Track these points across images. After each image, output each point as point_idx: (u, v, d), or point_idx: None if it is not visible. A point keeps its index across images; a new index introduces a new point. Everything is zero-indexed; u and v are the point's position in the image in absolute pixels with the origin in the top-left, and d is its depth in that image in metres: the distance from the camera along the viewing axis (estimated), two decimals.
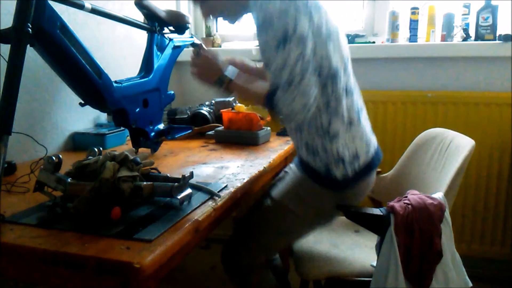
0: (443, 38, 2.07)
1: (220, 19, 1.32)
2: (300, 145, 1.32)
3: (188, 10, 2.57)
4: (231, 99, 2.06)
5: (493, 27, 1.96)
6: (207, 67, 1.28)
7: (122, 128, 1.79)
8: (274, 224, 1.33)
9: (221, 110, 1.92)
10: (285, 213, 1.31)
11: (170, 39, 1.74)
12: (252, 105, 1.32)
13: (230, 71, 1.28)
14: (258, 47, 1.20)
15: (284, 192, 1.34)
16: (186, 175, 1.07)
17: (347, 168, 1.25)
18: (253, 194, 1.42)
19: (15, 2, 1.06)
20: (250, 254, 1.35)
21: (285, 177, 1.42)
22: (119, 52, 2.01)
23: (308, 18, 1.10)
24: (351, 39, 2.22)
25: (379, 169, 1.44)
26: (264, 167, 1.45)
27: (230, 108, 1.93)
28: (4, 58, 1.08)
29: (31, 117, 1.56)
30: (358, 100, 1.30)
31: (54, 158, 1.03)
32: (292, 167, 1.47)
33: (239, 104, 1.93)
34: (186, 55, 2.18)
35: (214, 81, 1.26)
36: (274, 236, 1.35)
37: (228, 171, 1.38)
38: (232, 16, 1.30)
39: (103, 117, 1.94)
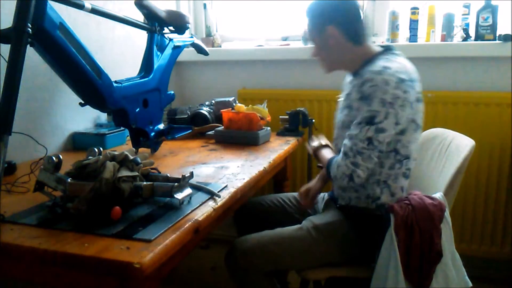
0: (443, 38, 2.06)
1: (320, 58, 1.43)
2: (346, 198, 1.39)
3: (188, 10, 2.57)
4: (231, 99, 2.06)
5: (493, 27, 1.96)
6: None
7: (122, 128, 1.79)
8: (304, 246, 1.32)
9: (221, 110, 1.92)
10: (320, 239, 1.32)
11: (170, 39, 1.74)
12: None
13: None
14: (343, 99, 1.38)
15: (326, 224, 1.36)
16: (186, 175, 1.07)
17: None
18: (255, 193, 1.42)
19: (15, 2, 1.06)
20: (262, 258, 1.31)
21: (327, 209, 1.48)
22: (119, 52, 2.01)
23: (401, 114, 1.22)
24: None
25: None
26: (264, 167, 1.45)
27: (230, 108, 1.93)
28: (4, 58, 1.08)
29: (31, 117, 1.56)
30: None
31: (54, 158, 1.03)
32: (326, 199, 1.54)
33: (239, 104, 1.93)
34: (186, 55, 2.19)
35: None
36: (297, 255, 1.33)
37: (228, 171, 1.38)
38: (331, 66, 1.42)
39: (103, 117, 1.94)
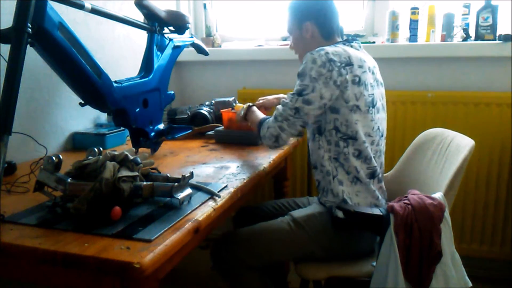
0: (443, 38, 2.07)
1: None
2: (316, 182, 1.47)
3: (188, 10, 2.57)
4: (231, 99, 2.05)
5: (493, 27, 1.96)
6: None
7: (122, 128, 1.79)
8: (282, 238, 1.38)
9: (221, 110, 1.92)
10: (297, 231, 1.37)
11: (170, 39, 1.74)
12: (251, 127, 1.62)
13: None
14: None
15: (305, 216, 1.41)
16: (186, 175, 1.07)
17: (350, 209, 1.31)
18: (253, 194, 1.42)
19: (15, 2, 1.06)
20: (245, 253, 1.37)
21: (308, 205, 1.55)
22: (119, 52, 2.01)
23: (324, 90, 1.31)
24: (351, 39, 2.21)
25: None
26: (264, 167, 1.45)
27: (230, 108, 1.93)
28: (4, 58, 1.08)
29: (31, 117, 1.56)
30: (378, 167, 1.41)
31: (54, 158, 1.03)
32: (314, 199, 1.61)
33: (239, 104, 1.93)
34: (186, 55, 2.19)
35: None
36: (275, 246, 1.38)
37: (228, 171, 1.38)
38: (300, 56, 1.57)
39: (103, 117, 1.94)
